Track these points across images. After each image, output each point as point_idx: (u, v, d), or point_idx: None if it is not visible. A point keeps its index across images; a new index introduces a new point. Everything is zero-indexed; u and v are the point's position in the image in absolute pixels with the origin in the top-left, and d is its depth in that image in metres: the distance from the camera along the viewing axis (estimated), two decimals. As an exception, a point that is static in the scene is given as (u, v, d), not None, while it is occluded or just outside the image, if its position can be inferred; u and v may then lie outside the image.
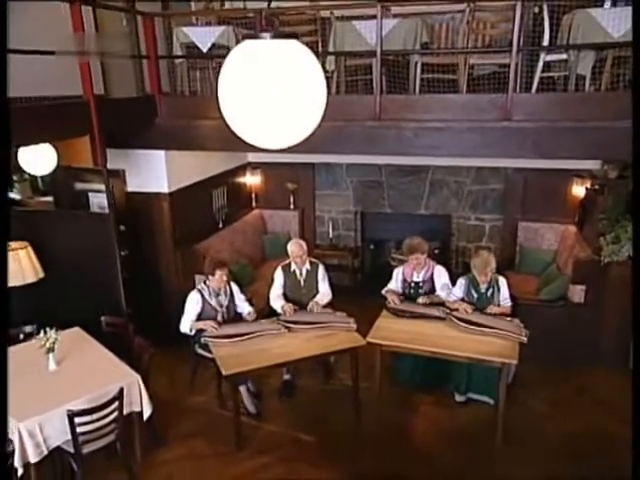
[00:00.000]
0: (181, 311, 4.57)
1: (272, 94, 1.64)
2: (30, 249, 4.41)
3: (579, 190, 5.88)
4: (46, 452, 3.36)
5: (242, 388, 4.38)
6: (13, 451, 3.29)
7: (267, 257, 6.89)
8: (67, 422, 3.29)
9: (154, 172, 5.23)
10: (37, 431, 3.30)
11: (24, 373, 3.75)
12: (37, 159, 3.98)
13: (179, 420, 4.45)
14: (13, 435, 3.29)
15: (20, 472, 3.28)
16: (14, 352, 4.08)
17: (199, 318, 4.51)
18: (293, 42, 1.75)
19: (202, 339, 4.32)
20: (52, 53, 3.94)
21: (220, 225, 6.27)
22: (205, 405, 4.68)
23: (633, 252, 3.84)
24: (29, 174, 4.95)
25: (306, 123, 1.78)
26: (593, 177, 5.65)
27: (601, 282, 4.99)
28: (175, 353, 4.89)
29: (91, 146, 4.19)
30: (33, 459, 3.29)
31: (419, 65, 4.59)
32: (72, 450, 3.42)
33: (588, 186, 5.70)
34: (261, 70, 1.66)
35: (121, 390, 3.52)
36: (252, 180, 7.07)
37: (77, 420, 3.30)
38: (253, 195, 7.17)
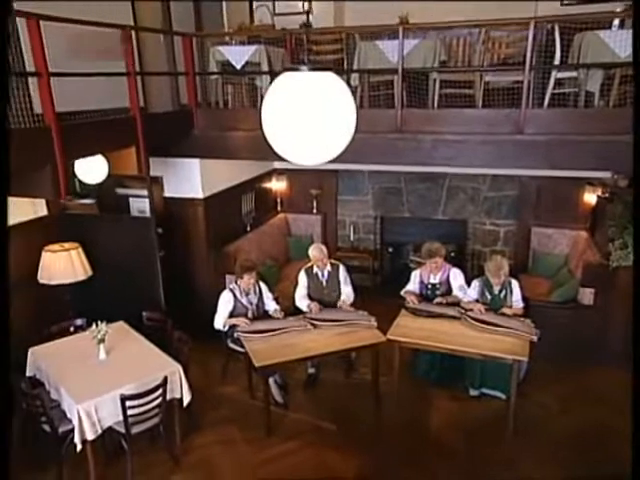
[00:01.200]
0: (213, 308, 4.95)
1: (310, 119, 1.99)
2: (80, 250, 4.85)
3: (591, 197, 6.14)
4: (100, 431, 3.77)
5: (271, 380, 4.73)
6: (73, 429, 3.73)
7: (291, 258, 7.27)
8: (119, 405, 3.68)
9: (190, 179, 5.64)
10: (93, 412, 3.70)
11: (78, 361, 4.19)
12: (91, 169, 4.41)
13: (213, 408, 4.83)
14: (72, 415, 3.72)
15: (79, 448, 3.69)
16: (67, 342, 4.54)
17: (231, 315, 4.89)
18: (328, 74, 2.10)
19: (235, 334, 4.70)
20: (104, 75, 4.37)
21: (248, 228, 6.66)
22: (236, 395, 5.05)
23: (634, 252, 4.12)
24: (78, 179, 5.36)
25: (338, 144, 2.13)
26: (604, 185, 5.90)
27: (609, 286, 5.23)
28: (207, 347, 5.23)
29: (136, 156, 4.59)
30: (90, 437, 3.69)
31: (437, 81, 4.90)
32: (123, 430, 3.81)
33: (599, 194, 5.96)
34: (300, 98, 2.02)
35: (165, 378, 3.90)
36: (278, 186, 7.46)
37: (128, 403, 3.69)
38: (278, 200, 7.56)
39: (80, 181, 6.24)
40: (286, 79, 2.06)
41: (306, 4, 2.14)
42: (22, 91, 4.19)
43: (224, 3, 6.25)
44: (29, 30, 3.42)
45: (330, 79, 2.05)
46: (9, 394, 2.11)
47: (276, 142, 2.12)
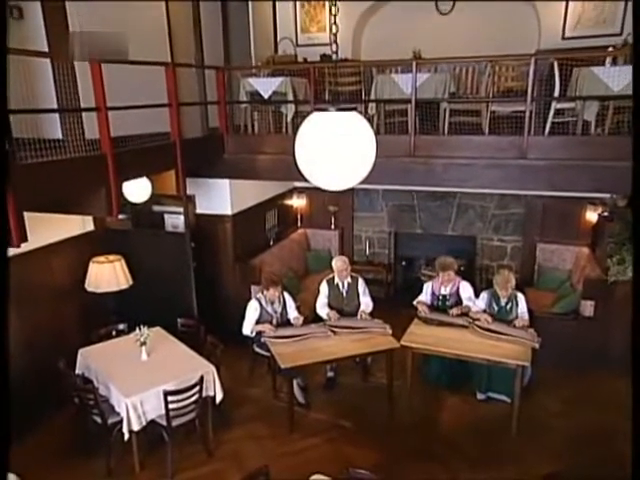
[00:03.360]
0: (239, 315, 5.43)
1: (336, 152, 2.44)
2: (123, 261, 5.36)
3: (592, 216, 6.54)
4: (144, 423, 4.23)
5: (294, 381, 5.17)
6: (120, 421, 4.20)
7: (310, 271, 7.73)
8: (162, 400, 4.14)
9: (220, 197, 6.17)
10: (139, 405, 4.17)
11: (123, 361, 4.68)
12: (137, 189, 4.93)
13: (240, 407, 5.27)
14: (120, 408, 4.19)
15: (126, 437, 4.16)
16: (112, 345, 5.05)
17: (257, 322, 5.35)
18: (352, 113, 2.55)
19: (262, 339, 5.16)
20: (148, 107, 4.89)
21: (271, 242, 7.17)
22: (261, 395, 5.50)
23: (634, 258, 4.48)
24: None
25: (359, 172, 2.55)
26: (604, 205, 6.30)
27: (608, 298, 5.61)
28: (234, 351, 5.61)
29: (176, 178, 5.12)
30: (135, 427, 4.16)
31: (447, 110, 5.37)
32: (164, 423, 4.27)
33: (600, 213, 6.36)
34: (328, 135, 2.46)
35: (201, 377, 4.36)
36: (298, 203, 7.97)
37: (170, 398, 4.16)
38: (299, 216, 8.07)
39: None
40: (317, 118, 2.50)
41: (334, 42, 2.56)
42: (77, 123, 4.77)
43: (252, 36, 6.81)
44: (92, 73, 3.96)
45: (353, 118, 2.48)
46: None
47: (307, 171, 2.54)
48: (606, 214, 6.18)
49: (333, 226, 8.02)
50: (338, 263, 5.54)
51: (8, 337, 3.22)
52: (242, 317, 5.42)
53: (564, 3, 6.26)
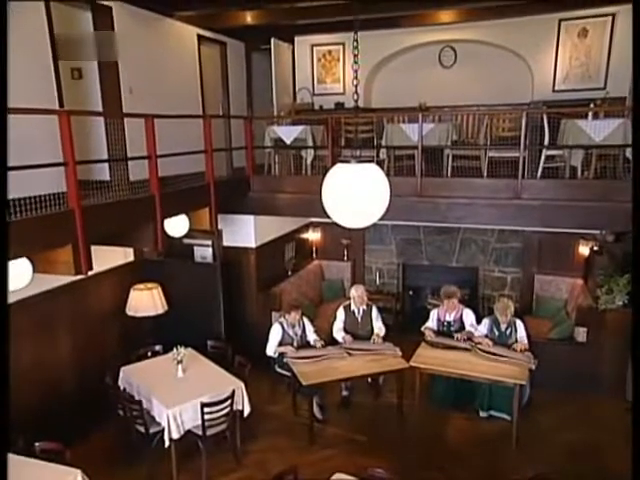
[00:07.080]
0: (261, 338, 6.01)
1: (356, 197, 3.05)
2: (160, 289, 5.98)
3: (584, 250, 7.11)
4: (183, 432, 4.75)
5: (314, 398, 5.68)
6: (160, 431, 4.74)
7: (325, 299, 8.30)
8: (198, 411, 4.68)
9: (245, 231, 6.81)
10: (178, 416, 4.70)
11: (162, 378, 5.23)
12: (177, 225, 5.56)
13: (263, 421, 5.78)
14: (162, 418, 4.73)
15: (167, 444, 4.69)
16: (151, 363, 5.61)
17: (279, 344, 5.92)
18: (370, 164, 3.16)
19: (285, 359, 5.72)
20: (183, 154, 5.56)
21: (289, 273, 7.77)
22: (282, 412, 6.02)
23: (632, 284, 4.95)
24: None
25: (376, 213, 3.16)
26: (595, 240, 6.89)
27: (600, 325, 6.13)
28: (256, 371, 5.99)
29: (209, 215, 5.76)
30: (175, 436, 4.68)
31: (450, 156, 6.03)
32: (200, 433, 4.79)
33: (591, 247, 6.93)
34: (350, 182, 3.07)
35: (233, 391, 4.92)
36: (313, 236, 8.60)
37: (206, 410, 4.70)
38: (314, 248, 8.69)
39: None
40: (340, 168, 3.09)
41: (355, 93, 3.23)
42: (123, 168, 5.47)
43: (274, 86, 7.59)
44: (146, 126, 4.66)
45: (370, 168, 3.04)
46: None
47: (332, 212, 3.11)
48: (596, 248, 6.75)
49: (346, 258, 8.61)
50: (359, 290, 6.13)
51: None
52: (264, 340, 5.99)
53: (553, 61, 7.02)
